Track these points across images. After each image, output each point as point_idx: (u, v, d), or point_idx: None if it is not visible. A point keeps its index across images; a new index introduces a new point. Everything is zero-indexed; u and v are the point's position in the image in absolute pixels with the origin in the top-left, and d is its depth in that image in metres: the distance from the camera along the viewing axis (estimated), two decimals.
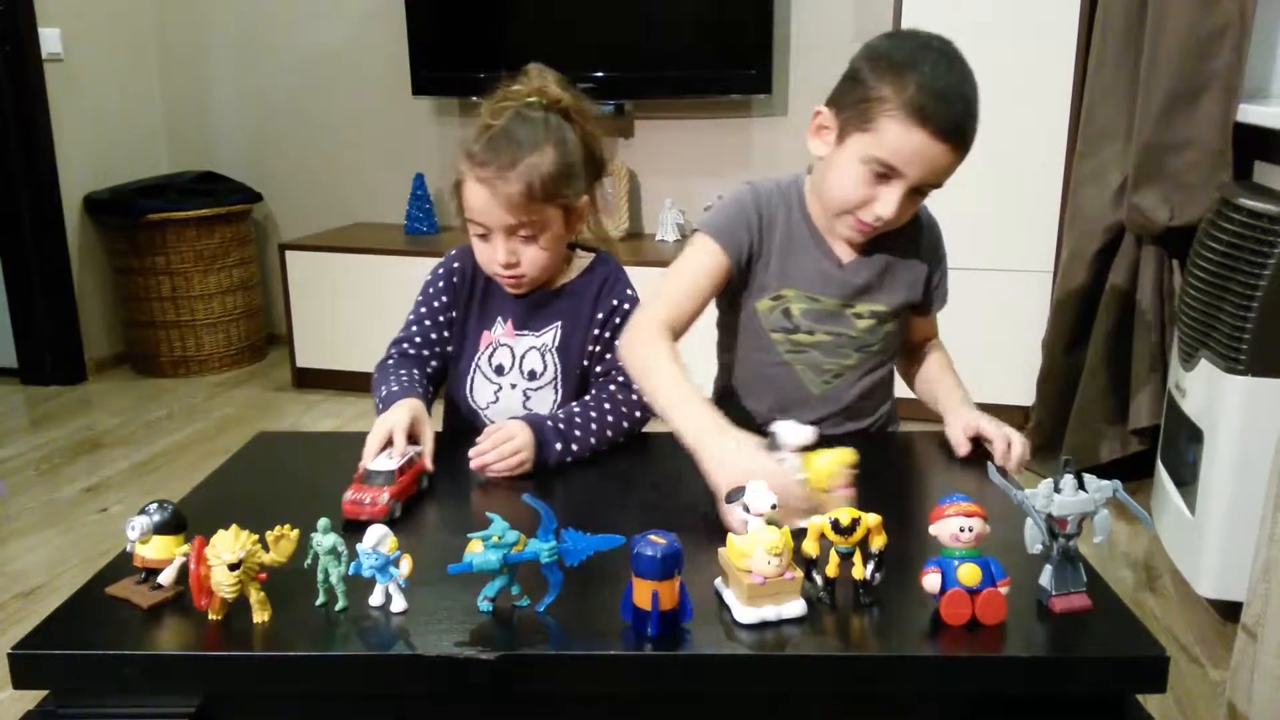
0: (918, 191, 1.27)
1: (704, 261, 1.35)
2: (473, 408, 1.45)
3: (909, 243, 1.39)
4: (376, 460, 1.16)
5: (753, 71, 3.22)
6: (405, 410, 1.24)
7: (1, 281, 3.54)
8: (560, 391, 1.42)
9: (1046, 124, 2.71)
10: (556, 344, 1.42)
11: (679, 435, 1.19)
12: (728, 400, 1.45)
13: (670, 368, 1.26)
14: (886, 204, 1.26)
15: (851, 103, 1.27)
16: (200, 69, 3.92)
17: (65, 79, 3.55)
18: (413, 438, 1.22)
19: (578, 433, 1.30)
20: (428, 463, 1.21)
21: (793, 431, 1.09)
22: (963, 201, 2.80)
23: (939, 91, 1.21)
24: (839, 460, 1.08)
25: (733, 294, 1.40)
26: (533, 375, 1.42)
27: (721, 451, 1.11)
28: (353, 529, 1.02)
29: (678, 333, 1.33)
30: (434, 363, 1.45)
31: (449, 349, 1.46)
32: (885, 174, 1.25)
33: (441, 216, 3.69)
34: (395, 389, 1.32)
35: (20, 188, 3.44)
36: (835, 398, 1.41)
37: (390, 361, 1.43)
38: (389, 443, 1.20)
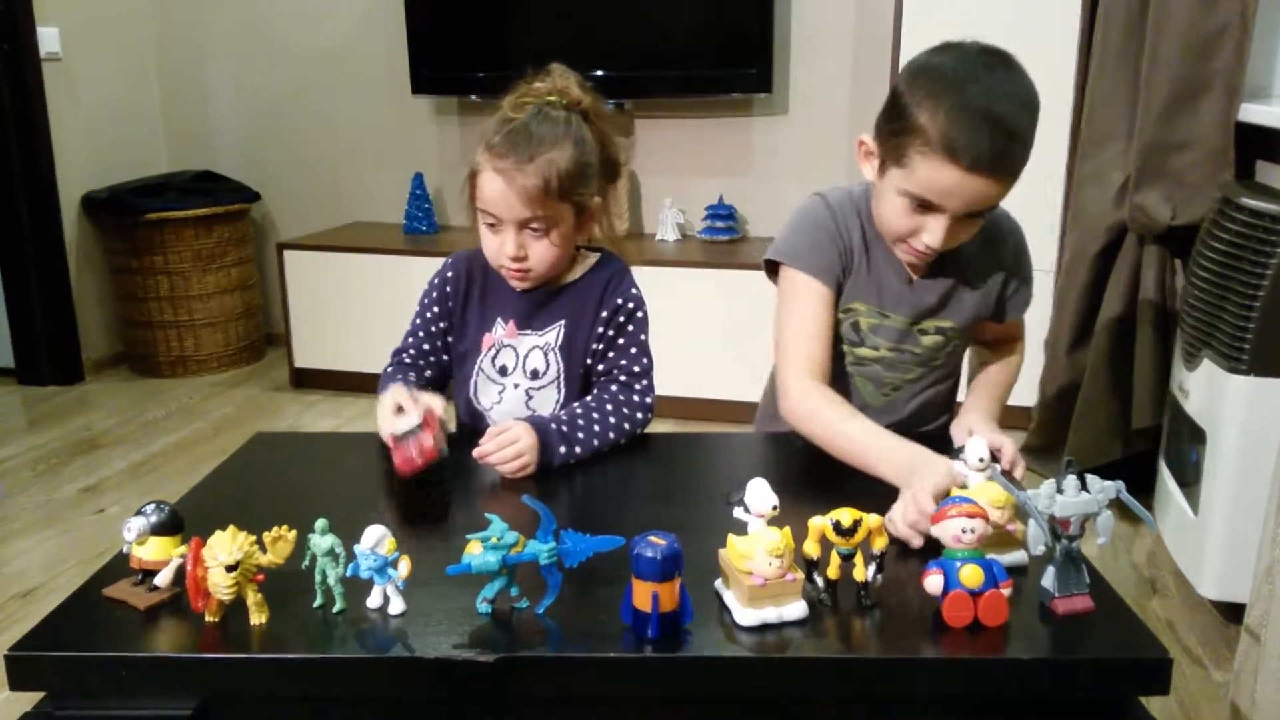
0: (970, 216, 1.23)
1: (810, 302, 1.34)
2: (477, 410, 1.45)
3: (984, 256, 1.36)
4: (397, 424, 1.23)
5: (753, 71, 3.21)
6: (398, 384, 1.33)
7: None
8: (563, 391, 1.42)
9: (1047, 124, 2.67)
10: (560, 342, 1.42)
11: (885, 479, 1.16)
12: None
13: (847, 418, 1.26)
14: (933, 234, 1.23)
15: (889, 133, 1.24)
16: (199, 68, 3.92)
17: (64, 78, 3.55)
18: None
19: (580, 435, 1.30)
20: (438, 410, 1.26)
21: (977, 450, 1.07)
22: None
23: (971, 121, 1.16)
24: (992, 499, 1.00)
25: None
26: (535, 375, 1.42)
27: (922, 468, 1.10)
28: (352, 528, 1.02)
29: (825, 379, 1.32)
30: (430, 372, 1.48)
31: (445, 358, 1.48)
32: (926, 206, 1.23)
33: (441, 216, 3.69)
34: (394, 385, 1.37)
35: (18, 187, 3.43)
36: (891, 409, 1.41)
37: (390, 369, 1.47)
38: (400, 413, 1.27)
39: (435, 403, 1.27)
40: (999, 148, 1.17)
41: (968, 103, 1.17)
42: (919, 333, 1.36)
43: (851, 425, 1.25)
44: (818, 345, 1.32)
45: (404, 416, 1.24)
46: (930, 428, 1.44)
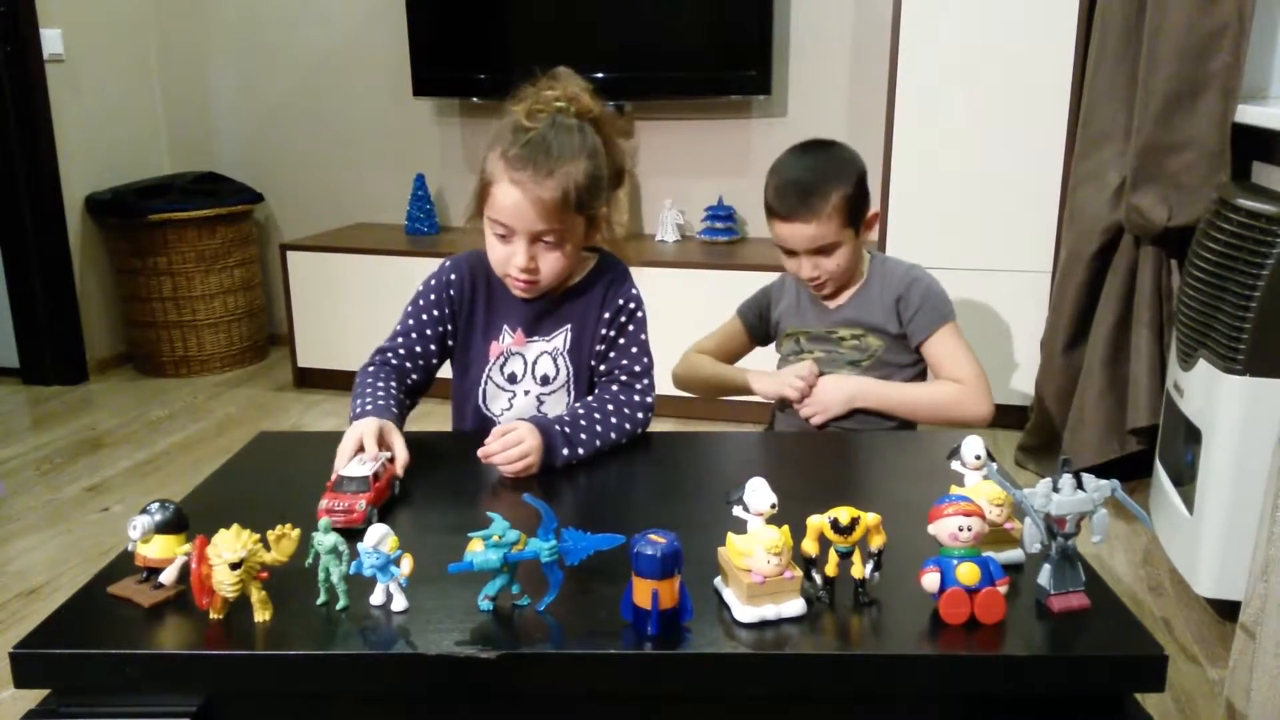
0: (818, 252, 1.66)
1: (727, 326, 1.90)
2: (486, 416, 1.45)
3: (876, 287, 1.74)
4: (350, 466, 1.15)
5: (752, 73, 3.22)
6: (374, 420, 1.25)
7: (4, 281, 3.55)
8: (573, 394, 1.43)
9: (1045, 124, 2.71)
10: (567, 347, 1.42)
11: (741, 389, 1.76)
12: (785, 406, 1.76)
13: (705, 362, 1.84)
14: (803, 270, 1.70)
15: None
16: (201, 69, 3.93)
17: (67, 80, 3.55)
18: (385, 446, 1.23)
19: (583, 435, 1.31)
20: (399, 469, 1.21)
21: (972, 447, 1.08)
22: (962, 202, 2.82)
23: (778, 190, 1.66)
24: (989, 497, 1.01)
25: (775, 343, 1.87)
26: (546, 380, 1.42)
27: (765, 373, 1.74)
28: (351, 531, 1.03)
29: (709, 355, 1.86)
30: (414, 375, 1.44)
31: (435, 362, 1.46)
32: (789, 251, 1.70)
33: (442, 217, 3.70)
34: (369, 406, 1.31)
35: (22, 188, 3.44)
36: None
37: (370, 369, 1.42)
38: (360, 452, 1.20)
39: (400, 456, 1.22)
40: (796, 202, 1.64)
41: (776, 177, 1.68)
42: (839, 338, 1.74)
43: (709, 362, 1.84)
44: (708, 343, 1.89)
45: (356, 462, 1.17)
46: (876, 429, 1.67)
